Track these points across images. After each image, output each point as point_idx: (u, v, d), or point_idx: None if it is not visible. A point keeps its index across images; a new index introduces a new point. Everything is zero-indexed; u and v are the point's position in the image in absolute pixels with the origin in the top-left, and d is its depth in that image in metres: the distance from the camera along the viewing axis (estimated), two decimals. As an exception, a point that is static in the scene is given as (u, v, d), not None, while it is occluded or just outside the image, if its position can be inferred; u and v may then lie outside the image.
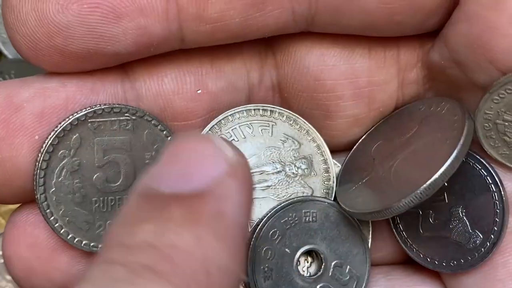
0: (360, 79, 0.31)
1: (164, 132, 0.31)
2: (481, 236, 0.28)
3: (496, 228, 0.28)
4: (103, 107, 0.30)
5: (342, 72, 0.31)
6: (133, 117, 0.31)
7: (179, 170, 0.20)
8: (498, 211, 0.28)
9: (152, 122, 0.31)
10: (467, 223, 0.29)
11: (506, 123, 0.27)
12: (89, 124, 0.30)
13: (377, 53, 0.31)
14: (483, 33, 0.26)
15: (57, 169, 0.30)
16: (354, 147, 0.33)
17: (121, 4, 0.27)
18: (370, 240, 0.32)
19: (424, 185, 0.25)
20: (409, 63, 0.31)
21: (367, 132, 0.32)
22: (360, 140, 0.32)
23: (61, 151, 0.30)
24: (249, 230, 0.31)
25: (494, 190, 0.28)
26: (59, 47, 0.27)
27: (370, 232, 0.32)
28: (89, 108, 0.30)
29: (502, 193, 0.28)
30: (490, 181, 0.28)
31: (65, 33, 0.27)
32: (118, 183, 0.31)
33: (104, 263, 0.19)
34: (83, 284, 0.19)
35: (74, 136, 0.30)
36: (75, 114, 0.30)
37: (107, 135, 0.31)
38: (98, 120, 0.30)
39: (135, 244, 0.19)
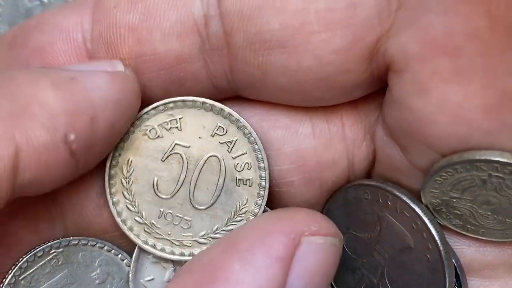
0: (308, 162, 0.28)
1: (98, 245, 0.29)
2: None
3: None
4: (25, 258, 0.28)
5: (288, 155, 0.28)
6: (60, 250, 0.29)
7: None
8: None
9: (80, 242, 0.29)
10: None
11: (454, 199, 0.25)
12: (22, 282, 0.28)
13: (322, 131, 0.28)
14: (413, 120, 0.24)
15: None
16: None
17: None
18: None
19: None
20: (356, 138, 0.28)
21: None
22: None
23: None
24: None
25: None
26: None
27: None
28: (13, 266, 0.28)
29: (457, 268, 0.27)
30: None
31: None
32: None
33: None
34: None
35: None
36: (4, 280, 0.28)
37: (45, 281, 0.29)
38: (27, 273, 0.28)
39: None
